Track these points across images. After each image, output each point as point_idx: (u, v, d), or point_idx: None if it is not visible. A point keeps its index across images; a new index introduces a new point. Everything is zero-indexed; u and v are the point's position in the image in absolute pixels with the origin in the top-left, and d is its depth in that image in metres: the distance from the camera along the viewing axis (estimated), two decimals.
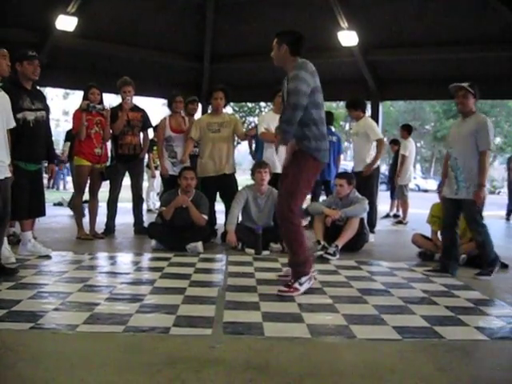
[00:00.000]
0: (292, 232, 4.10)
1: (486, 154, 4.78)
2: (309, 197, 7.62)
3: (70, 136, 8.90)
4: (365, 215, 6.34)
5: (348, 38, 10.58)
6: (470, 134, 4.82)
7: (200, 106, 8.06)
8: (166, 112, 7.18)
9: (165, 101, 7.73)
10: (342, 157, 9.37)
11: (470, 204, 4.86)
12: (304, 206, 7.08)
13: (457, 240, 5.12)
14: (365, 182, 7.00)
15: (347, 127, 40.05)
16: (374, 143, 7.08)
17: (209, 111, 7.59)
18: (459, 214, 5.06)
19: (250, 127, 6.66)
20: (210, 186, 6.48)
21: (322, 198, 8.10)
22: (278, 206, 4.24)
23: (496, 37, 9.79)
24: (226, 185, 6.46)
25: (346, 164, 26.48)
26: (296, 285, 4.02)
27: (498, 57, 10.18)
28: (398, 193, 10.26)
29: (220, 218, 6.82)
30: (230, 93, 6.68)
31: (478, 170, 4.78)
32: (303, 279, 4.04)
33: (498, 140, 38.49)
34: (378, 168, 7.35)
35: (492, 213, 12.24)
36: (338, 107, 36.85)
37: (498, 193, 33.85)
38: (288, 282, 4.13)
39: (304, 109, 3.92)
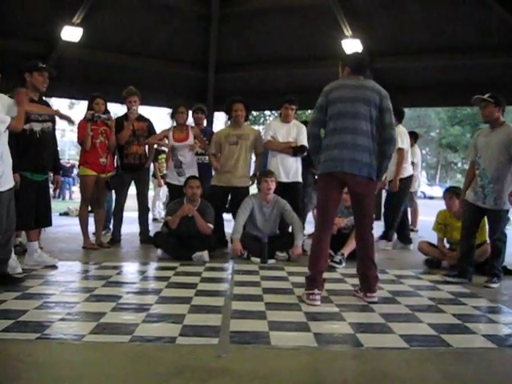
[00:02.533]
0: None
1: None
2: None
3: None
4: None
5: (352, 45, 10.59)
6: (501, 145, 4.79)
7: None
8: (170, 122, 7.18)
9: (169, 110, 7.71)
10: None
11: (497, 215, 4.90)
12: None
13: (474, 245, 5.14)
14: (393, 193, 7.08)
15: None
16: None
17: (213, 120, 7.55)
18: (480, 221, 5.12)
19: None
20: (220, 195, 6.49)
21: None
22: None
23: (500, 43, 9.80)
24: (237, 198, 6.39)
25: None
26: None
27: (502, 63, 10.17)
28: (409, 200, 10.19)
29: (227, 226, 6.79)
30: (249, 104, 6.70)
31: None
32: (306, 291, 4.10)
33: None
34: (410, 177, 7.37)
35: None
36: None
37: None
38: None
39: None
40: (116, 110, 17.16)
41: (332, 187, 4.12)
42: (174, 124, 6.99)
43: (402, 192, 7.14)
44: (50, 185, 5.88)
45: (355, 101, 4.07)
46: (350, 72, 4.25)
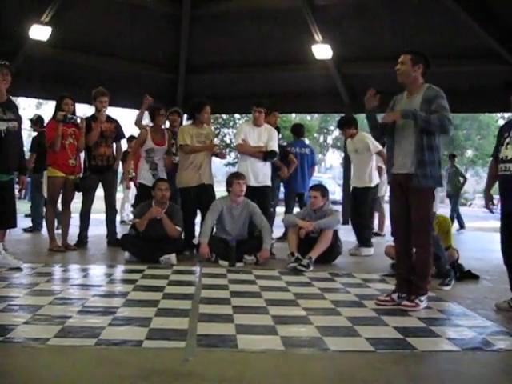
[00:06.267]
0: (429, 259, 4.23)
1: None
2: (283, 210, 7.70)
3: (35, 145, 8.17)
4: (339, 227, 6.36)
5: (322, 51, 10.69)
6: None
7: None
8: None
9: (138, 111, 7.72)
10: (316, 168, 9.43)
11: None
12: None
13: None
14: (360, 198, 7.15)
15: (321, 139, 40.33)
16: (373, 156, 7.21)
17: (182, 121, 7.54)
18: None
19: (217, 150, 6.74)
20: (190, 197, 6.42)
21: (296, 209, 8.11)
22: (416, 242, 4.20)
23: (467, 51, 10.00)
24: (206, 195, 6.40)
25: (321, 176, 26.70)
26: (417, 301, 4.10)
27: (469, 71, 10.37)
28: (376, 205, 10.28)
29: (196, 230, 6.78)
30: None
31: None
32: (423, 298, 4.14)
33: (469, 153, 39.07)
34: (377, 186, 7.45)
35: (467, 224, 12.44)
36: (312, 119, 37.06)
37: (470, 205, 34.40)
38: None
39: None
40: (84, 110, 16.95)
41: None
42: (151, 124, 6.99)
43: (370, 200, 7.25)
44: (16, 185, 5.78)
45: None
46: (421, 74, 4.28)
